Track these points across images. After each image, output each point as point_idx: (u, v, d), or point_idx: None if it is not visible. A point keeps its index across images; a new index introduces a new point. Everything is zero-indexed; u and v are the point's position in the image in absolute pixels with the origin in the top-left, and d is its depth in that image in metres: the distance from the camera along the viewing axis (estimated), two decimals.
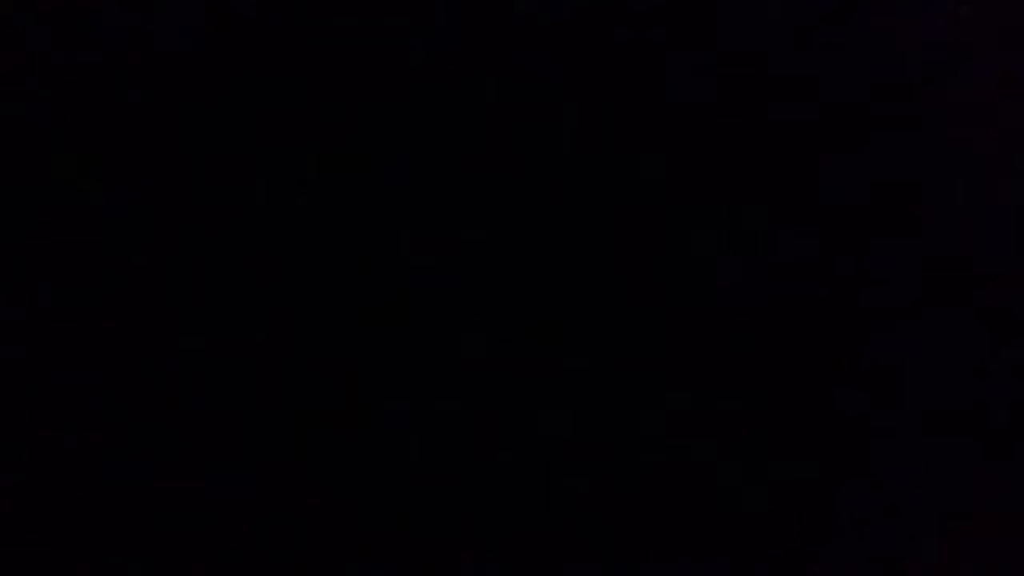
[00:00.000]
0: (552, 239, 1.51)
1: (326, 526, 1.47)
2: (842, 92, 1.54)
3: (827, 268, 1.52)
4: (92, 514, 1.46)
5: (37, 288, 1.48)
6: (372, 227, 1.51)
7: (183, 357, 1.48)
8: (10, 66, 1.51)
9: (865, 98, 1.54)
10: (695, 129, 1.53)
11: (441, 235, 1.51)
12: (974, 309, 1.52)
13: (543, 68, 1.53)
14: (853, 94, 1.54)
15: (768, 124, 1.53)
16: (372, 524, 1.47)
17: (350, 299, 1.50)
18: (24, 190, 1.49)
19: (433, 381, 1.49)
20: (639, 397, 1.49)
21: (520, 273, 1.50)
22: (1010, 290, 1.52)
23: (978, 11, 1.56)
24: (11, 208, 1.49)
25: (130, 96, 1.51)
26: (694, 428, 1.49)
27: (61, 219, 1.49)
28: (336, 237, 1.50)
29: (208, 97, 1.51)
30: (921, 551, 1.48)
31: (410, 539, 1.47)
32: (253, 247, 1.50)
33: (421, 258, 1.50)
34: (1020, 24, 1.56)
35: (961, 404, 1.50)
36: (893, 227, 1.53)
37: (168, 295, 1.49)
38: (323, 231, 1.51)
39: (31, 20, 1.52)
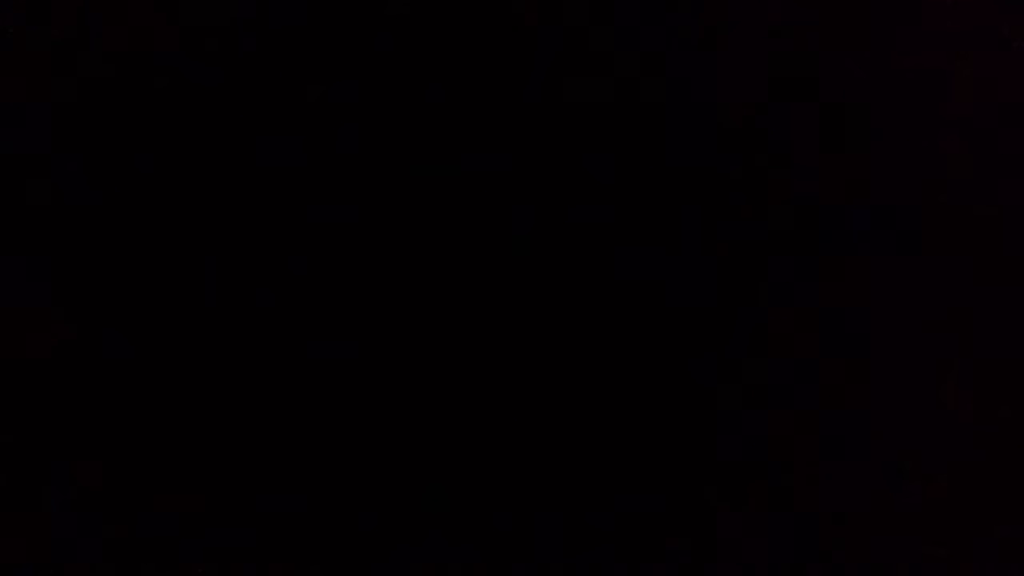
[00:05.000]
0: (548, 240, 1.51)
1: (323, 526, 1.47)
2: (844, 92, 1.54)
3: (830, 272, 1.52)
4: (92, 513, 1.46)
5: (38, 288, 1.48)
6: (371, 227, 1.51)
7: (183, 357, 1.48)
8: (10, 66, 1.51)
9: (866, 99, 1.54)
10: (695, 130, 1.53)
11: (438, 234, 1.51)
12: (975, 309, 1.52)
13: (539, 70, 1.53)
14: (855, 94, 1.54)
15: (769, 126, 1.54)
16: (370, 524, 1.47)
17: (348, 299, 1.50)
18: (26, 190, 1.49)
19: (430, 380, 1.49)
20: (637, 397, 1.49)
21: (519, 273, 1.50)
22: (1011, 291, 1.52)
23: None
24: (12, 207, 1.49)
25: (132, 96, 1.51)
26: (692, 428, 1.49)
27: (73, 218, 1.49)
28: (334, 237, 1.50)
29: (209, 96, 1.51)
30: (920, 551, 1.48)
31: (407, 539, 1.47)
32: (249, 249, 1.50)
33: (419, 257, 1.50)
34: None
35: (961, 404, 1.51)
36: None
37: (168, 293, 1.49)
38: (323, 230, 1.51)
39: (31, 20, 1.52)
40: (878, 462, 1.49)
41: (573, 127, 1.52)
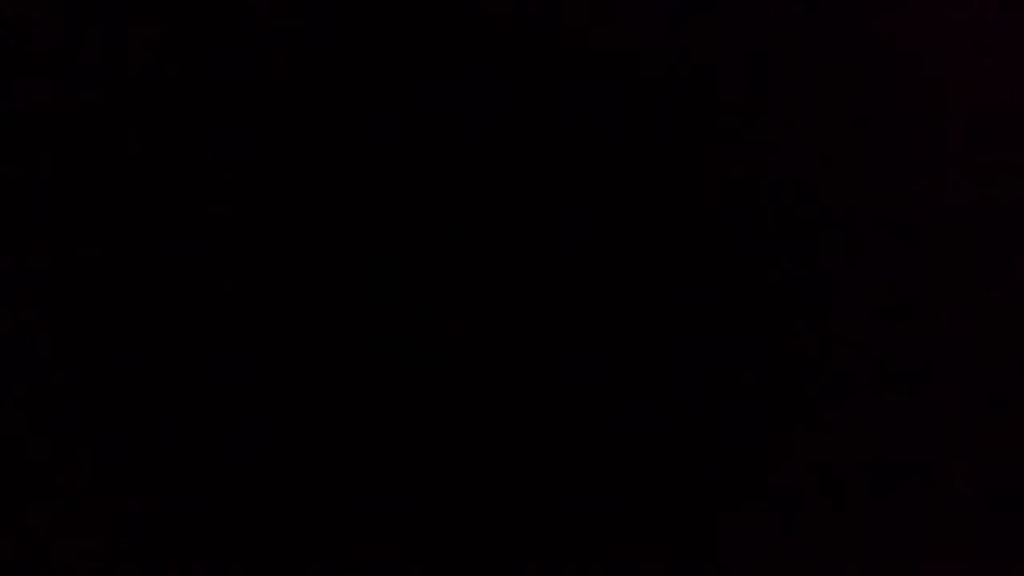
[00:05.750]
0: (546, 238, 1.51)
1: (322, 527, 1.47)
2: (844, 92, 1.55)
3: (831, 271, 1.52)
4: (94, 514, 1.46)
5: (38, 288, 1.49)
6: (369, 227, 1.51)
7: (175, 353, 1.48)
8: (10, 66, 1.51)
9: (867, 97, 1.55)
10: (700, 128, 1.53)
11: (436, 234, 1.51)
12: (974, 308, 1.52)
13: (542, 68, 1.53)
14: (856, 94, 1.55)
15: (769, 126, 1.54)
16: (367, 524, 1.47)
17: (345, 300, 1.50)
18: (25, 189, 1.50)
19: (428, 380, 1.49)
20: (637, 397, 1.49)
21: (518, 272, 1.51)
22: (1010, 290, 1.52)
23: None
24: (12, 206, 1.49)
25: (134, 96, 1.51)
26: (692, 427, 1.49)
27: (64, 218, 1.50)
28: (332, 237, 1.51)
29: (209, 96, 1.52)
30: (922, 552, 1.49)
31: (406, 540, 1.47)
32: (244, 250, 1.50)
33: (418, 257, 1.51)
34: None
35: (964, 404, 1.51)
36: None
37: (168, 294, 1.49)
38: (320, 230, 1.51)
39: (31, 20, 1.52)
40: (878, 462, 1.49)
41: (570, 126, 1.52)
